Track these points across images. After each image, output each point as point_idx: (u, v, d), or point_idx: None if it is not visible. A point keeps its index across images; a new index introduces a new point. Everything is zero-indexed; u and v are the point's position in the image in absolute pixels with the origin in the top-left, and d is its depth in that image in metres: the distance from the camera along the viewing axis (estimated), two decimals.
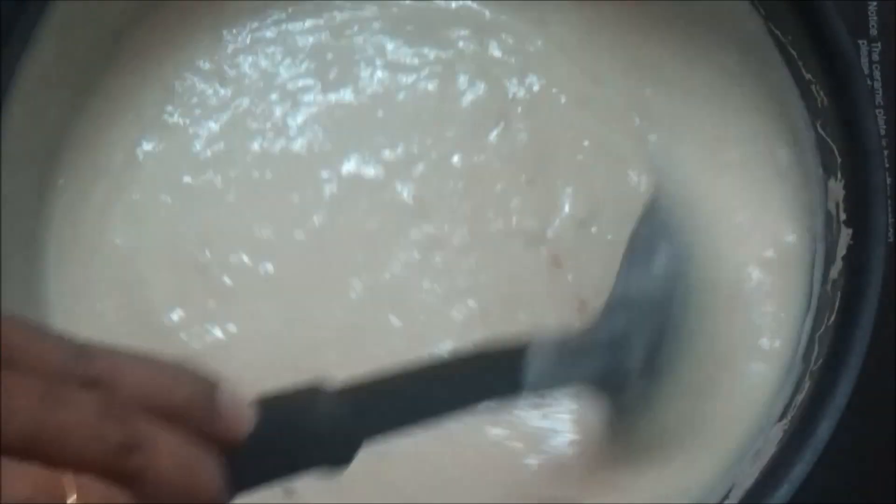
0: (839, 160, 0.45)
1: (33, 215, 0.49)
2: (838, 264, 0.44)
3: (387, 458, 0.43)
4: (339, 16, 0.51)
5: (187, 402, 0.29)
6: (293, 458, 0.31)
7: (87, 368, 0.27)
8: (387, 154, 0.49)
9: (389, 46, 0.50)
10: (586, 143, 0.49)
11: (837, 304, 0.44)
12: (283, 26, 0.51)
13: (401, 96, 0.50)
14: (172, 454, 0.28)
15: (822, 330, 0.45)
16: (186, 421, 0.28)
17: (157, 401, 0.28)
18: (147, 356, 0.29)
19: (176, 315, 0.48)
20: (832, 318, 0.44)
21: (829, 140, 0.45)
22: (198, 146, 0.50)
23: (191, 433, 0.28)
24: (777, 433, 0.44)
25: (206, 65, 0.51)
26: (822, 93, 0.45)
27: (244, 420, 0.30)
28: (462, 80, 0.50)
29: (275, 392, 0.31)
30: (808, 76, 0.46)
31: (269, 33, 0.51)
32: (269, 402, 0.31)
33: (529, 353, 0.38)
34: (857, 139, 0.44)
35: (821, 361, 0.43)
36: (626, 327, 0.41)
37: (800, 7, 0.45)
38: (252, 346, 0.47)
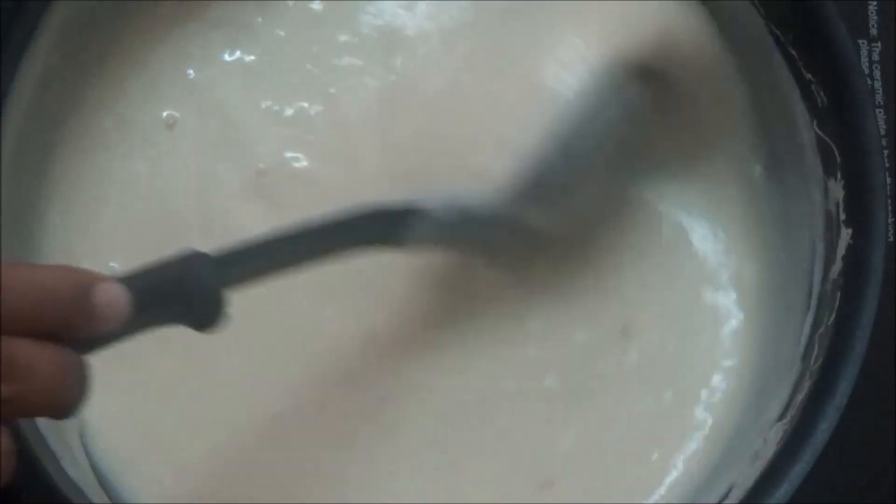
0: (839, 160, 0.45)
1: (32, 211, 0.49)
2: (838, 264, 0.44)
3: None
4: None
5: (65, 308, 0.29)
6: (163, 319, 0.32)
7: None
8: None
9: None
10: None
11: (837, 304, 0.44)
12: None
13: None
14: (47, 373, 0.28)
15: (821, 330, 0.45)
16: (64, 328, 0.29)
17: (35, 309, 0.28)
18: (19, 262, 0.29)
19: None
20: (832, 318, 0.44)
21: (828, 140, 0.45)
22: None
23: (66, 338, 0.29)
24: (777, 433, 0.44)
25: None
26: (822, 93, 0.45)
27: (120, 313, 0.31)
28: None
29: (147, 266, 0.32)
30: (808, 76, 0.46)
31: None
32: (141, 276, 0.32)
33: (414, 215, 0.39)
34: (857, 139, 0.44)
35: (821, 361, 0.43)
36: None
37: (800, 7, 0.45)
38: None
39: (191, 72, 0.51)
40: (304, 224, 0.36)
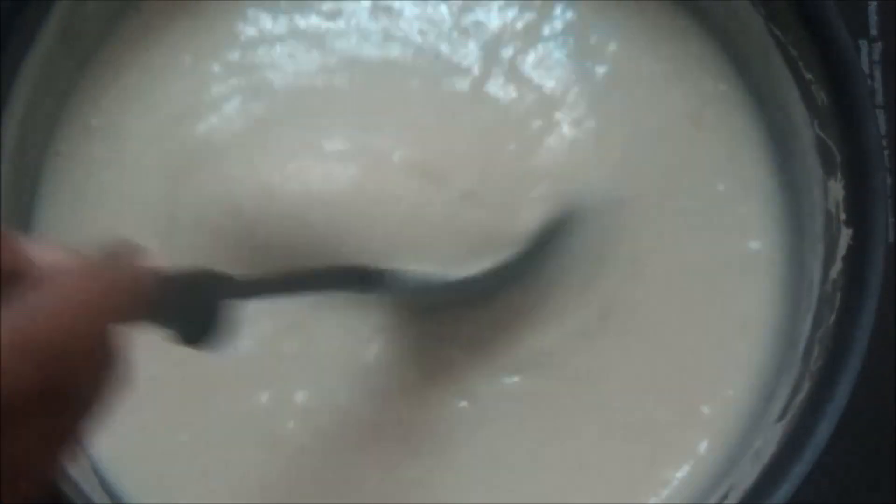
0: (839, 160, 0.45)
1: (30, 206, 0.49)
2: (838, 264, 0.44)
3: None
4: None
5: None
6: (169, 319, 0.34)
7: None
8: None
9: None
10: None
11: (837, 304, 0.44)
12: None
13: None
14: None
15: (821, 330, 0.45)
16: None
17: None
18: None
19: None
20: (832, 318, 0.44)
21: (828, 140, 0.45)
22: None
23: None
24: (776, 433, 0.44)
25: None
26: (822, 93, 0.45)
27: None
28: None
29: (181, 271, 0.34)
30: (808, 76, 0.46)
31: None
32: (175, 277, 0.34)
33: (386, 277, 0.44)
34: (857, 139, 0.44)
35: (821, 362, 0.43)
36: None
37: (800, 7, 0.45)
38: None
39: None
40: (306, 268, 0.44)
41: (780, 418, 0.44)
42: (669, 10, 0.51)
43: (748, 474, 0.44)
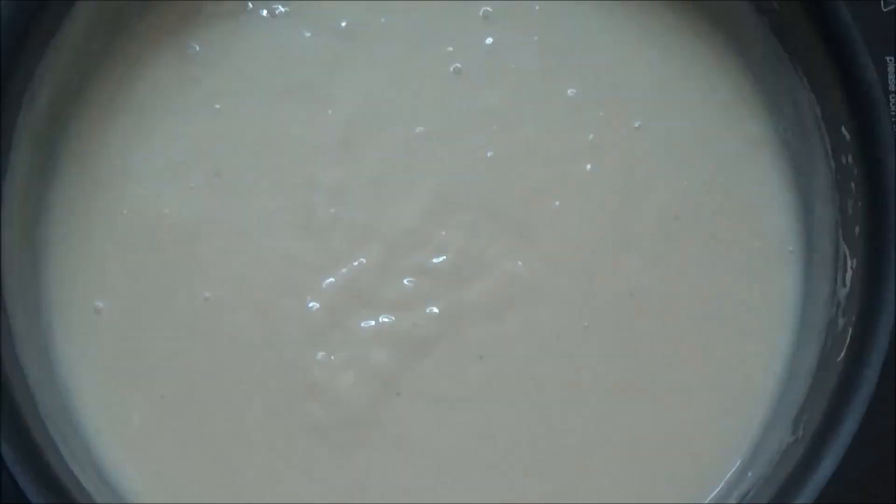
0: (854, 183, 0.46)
1: (35, 206, 0.49)
2: (849, 274, 0.46)
3: None
4: None
5: None
6: None
7: None
8: None
9: None
10: None
11: (857, 305, 0.45)
12: None
13: None
14: None
15: (838, 328, 0.45)
16: None
17: None
18: None
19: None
20: (854, 317, 0.44)
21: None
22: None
23: None
24: (798, 433, 0.45)
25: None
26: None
27: None
28: None
29: None
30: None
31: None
32: None
33: None
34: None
35: (842, 357, 0.44)
36: None
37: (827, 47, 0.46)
38: None
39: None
40: None
41: (793, 422, 0.46)
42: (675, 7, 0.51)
43: (768, 477, 0.45)
